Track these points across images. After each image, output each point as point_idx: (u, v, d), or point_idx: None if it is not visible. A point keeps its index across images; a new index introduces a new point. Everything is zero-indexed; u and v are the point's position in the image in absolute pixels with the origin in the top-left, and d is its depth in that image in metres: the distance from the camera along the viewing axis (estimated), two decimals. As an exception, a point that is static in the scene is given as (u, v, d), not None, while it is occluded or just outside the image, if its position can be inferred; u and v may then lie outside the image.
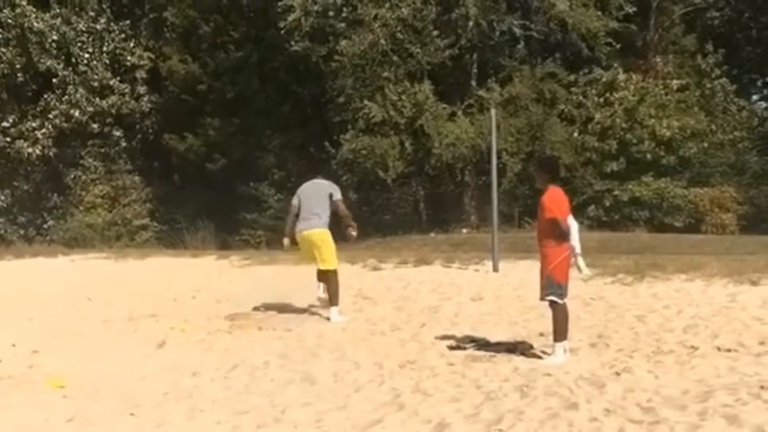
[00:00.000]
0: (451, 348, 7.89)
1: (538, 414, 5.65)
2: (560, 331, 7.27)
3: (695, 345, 7.46)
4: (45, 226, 22.29)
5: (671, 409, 5.54)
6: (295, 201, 10.25)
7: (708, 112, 20.54)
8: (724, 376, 6.43)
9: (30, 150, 21.51)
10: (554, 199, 7.22)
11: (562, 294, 7.28)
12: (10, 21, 21.18)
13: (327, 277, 10.02)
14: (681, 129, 19.67)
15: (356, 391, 6.70)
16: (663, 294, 9.96)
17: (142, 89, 22.47)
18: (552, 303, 7.29)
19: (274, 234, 21.42)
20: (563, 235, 7.18)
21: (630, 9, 20.33)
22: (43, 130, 21.58)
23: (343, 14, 19.19)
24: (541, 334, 8.23)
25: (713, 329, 8.03)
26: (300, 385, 7.02)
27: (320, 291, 10.15)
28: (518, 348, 7.70)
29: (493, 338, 8.15)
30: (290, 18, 18.96)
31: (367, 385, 6.87)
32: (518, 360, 7.35)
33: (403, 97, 19.28)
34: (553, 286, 7.22)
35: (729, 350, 7.23)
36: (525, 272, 12.29)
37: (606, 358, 7.23)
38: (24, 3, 21.15)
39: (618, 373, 6.70)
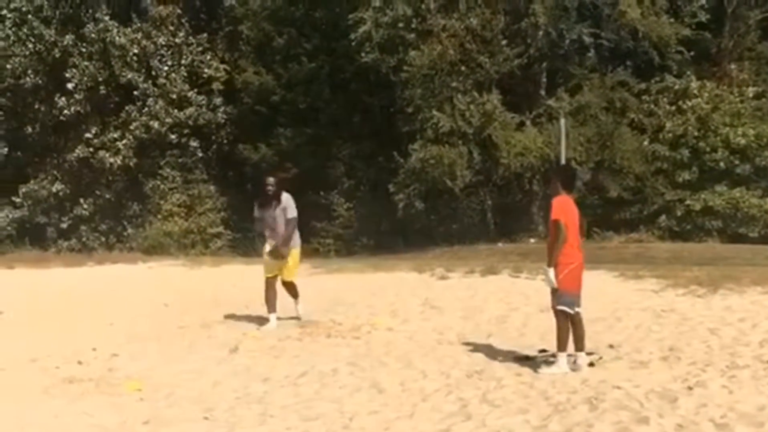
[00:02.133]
0: (519, 358, 7.90)
1: (607, 428, 5.61)
2: (563, 340, 7.28)
3: (770, 360, 7.30)
4: (125, 233, 23.07)
5: (746, 425, 5.43)
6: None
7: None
8: (800, 392, 6.29)
9: (112, 160, 22.33)
10: (561, 204, 7.27)
11: (573, 303, 7.29)
12: (93, 36, 22.06)
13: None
14: (757, 137, 19.14)
15: (423, 400, 6.79)
16: (737, 306, 9.72)
17: (218, 101, 23.08)
18: (559, 312, 7.30)
19: (342, 242, 21.82)
20: (564, 241, 7.12)
21: (704, 17, 19.91)
22: (124, 141, 22.37)
23: (413, 25, 19.33)
24: (611, 346, 8.19)
25: (790, 344, 7.83)
26: (368, 393, 7.14)
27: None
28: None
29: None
30: (361, 30, 19.21)
31: (434, 395, 6.95)
32: (587, 371, 7.31)
33: (472, 107, 19.27)
34: (563, 296, 7.24)
35: (806, 366, 7.06)
36: (593, 283, 12.13)
37: (678, 371, 7.13)
38: (107, 18, 22.02)
39: (690, 388, 6.61)
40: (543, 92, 20.21)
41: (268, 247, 10.42)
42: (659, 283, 11.51)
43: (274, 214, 10.22)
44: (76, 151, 22.72)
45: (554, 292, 7.34)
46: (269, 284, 10.63)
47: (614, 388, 6.77)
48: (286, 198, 10.26)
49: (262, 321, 10.92)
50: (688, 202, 19.32)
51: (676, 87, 20.19)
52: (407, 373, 7.69)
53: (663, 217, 19.55)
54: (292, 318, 10.84)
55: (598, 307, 10.33)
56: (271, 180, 10.27)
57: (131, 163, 22.68)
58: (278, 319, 10.56)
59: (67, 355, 9.21)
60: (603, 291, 11.28)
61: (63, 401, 7.27)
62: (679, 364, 7.43)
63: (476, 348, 8.64)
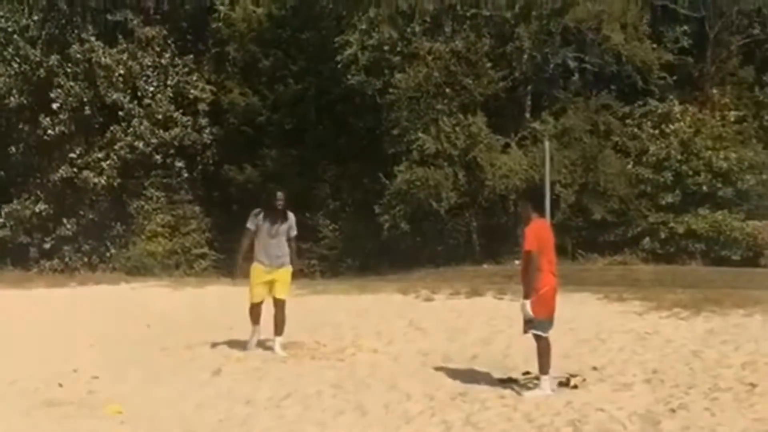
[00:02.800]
0: (503, 381, 7.90)
1: (590, 449, 5.63)
2: (544, 365, 7.33)
3: (754, 382, 7.32)
4: (108, 254, 22.90)
5: (728, 448, 5.47)
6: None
7: (766, 144, 20.16)
8: (782, 415, 6.32)
9: (96, 180, 22.20)
10: (534, 232, 7.29)
11: (545, 327, 7.34)
12: (79, 56, 22.02)
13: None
14: (738, 161, 19.36)
15: (407, 422, 6.77)
16: (720, 329, 9.76)
17: (203, 121, 23.05)
18: (536, 336, 7.38)
19: (328, 264, 21.76)
20: (537, 269, 7.19)
21: (686, 42, 20.21)
22: (109, 161, 22.26)
23: (398, 48, 19.49)
24: (594, 368, 8.20)
25: (772, 366, 7.86)
26: (352, 416, 7.11)
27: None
28: (570, 381, 7.65)
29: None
30: (347, 52, 19.36)
31: (418, 417, 6.93)
32: (571, 394, 7.32)
33: (457, 129, 19.42)
34: (536, 321, 7.30)
35: (788, 389, 7.09)
36: (577, 305, 12.20)
37: (661, 394, 7.15)
38: (93, 39, 21.99)
39: (673, 410, 6.64)
40: (528, 115, 20.40)
41: (262, 267, 10.26)
42: (643, 306, 11.56)
43: (278, 230, 10.18)
44: (60, 170, 22.60)
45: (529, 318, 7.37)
46: (257, 311, 10.52)
47: (597, 410, 6.78)
48: (292, 216, 10.29)
49: (244, 343, 10.86)
50: (671, 224, 19.47)
51: (659, 111, 20.43)
52: (391, 396, 7.66)
53: (647, 239, 19.69)
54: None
55: (581, 329, 10.36)
56: (281, 195, 10.25)
57: (115, 183, 22.57)
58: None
59: (48, 377, 9.09)
60: (586, 313, 11.31)
61: (44, 424, 7.19)
62: (663, 386, 7.45)
63: (460, 370, 8.63)
